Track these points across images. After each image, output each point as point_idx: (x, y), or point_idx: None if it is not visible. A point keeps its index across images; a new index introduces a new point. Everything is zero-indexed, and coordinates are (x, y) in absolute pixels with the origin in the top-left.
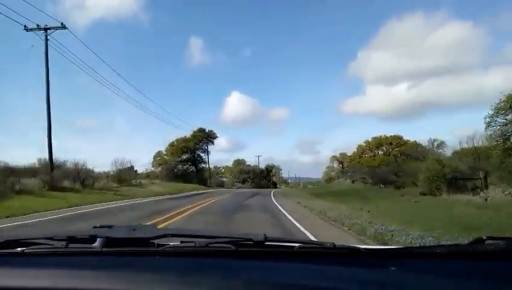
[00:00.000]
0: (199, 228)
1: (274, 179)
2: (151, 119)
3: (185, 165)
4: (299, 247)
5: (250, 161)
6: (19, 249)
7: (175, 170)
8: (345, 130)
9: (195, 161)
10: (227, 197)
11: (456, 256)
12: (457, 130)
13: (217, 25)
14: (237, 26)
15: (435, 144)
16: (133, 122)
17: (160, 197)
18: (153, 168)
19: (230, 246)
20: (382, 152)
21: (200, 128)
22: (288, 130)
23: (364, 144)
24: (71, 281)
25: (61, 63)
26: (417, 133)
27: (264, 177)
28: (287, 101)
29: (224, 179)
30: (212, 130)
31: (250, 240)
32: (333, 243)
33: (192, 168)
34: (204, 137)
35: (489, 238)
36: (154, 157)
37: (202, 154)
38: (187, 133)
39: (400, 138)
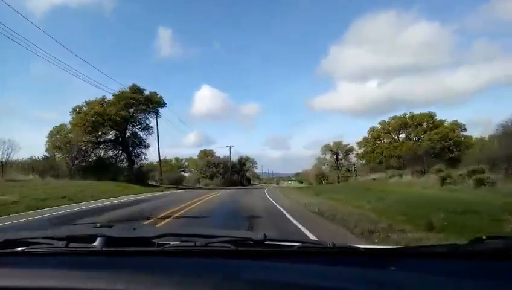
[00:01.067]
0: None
1: (248, 174)
2: None
3: (110, 149)
4: (299, 246)
5: (220, 153)
6: (19, 248)
7: (88, 158)
8: (315, 126)
9: (127, 143)
10: None
11: (456, 256)
12: None
13: (187, 17)
14: (208, 20)
15: None
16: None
17: None
18: (47, 154)
19: (230, 245)
20: (404, 135)
21: (134, 85)
22: (258, 126)
23: (379, 126)
24: (71, 281)
25: None
26: None
27: (236, 172)
28: (258, 96)
29: (187, 174)
30: (155, 92)
31: (250, 239)
32: (333, 243)
33: (124, 155)
34: (142, 102)
35: (489, 237)
36: (51, 135)
37: (141, 133)
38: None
39: (432, 116)
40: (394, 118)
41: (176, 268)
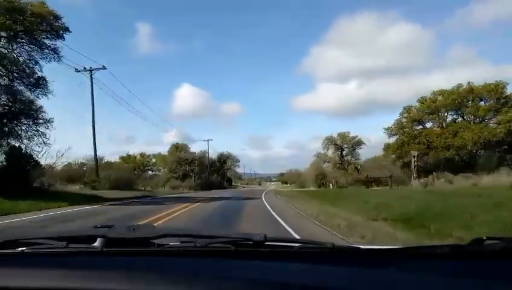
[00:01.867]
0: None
1: (229, 174)
2: None
3: None
4: (299, 247)
5: (196, 148)
6: (19, 249)
7: None
8: (296, 126)
9: None
10: None
11: (456, 256)
12: None
13: (168, 14)
14: (190, 18)
15: None
16: None
17: None
18: None
19: (230, 246)
20: (453, 117)
21: None
22: (239, 125)
23: (418, 104)
24: (71, 281)
25: None
26: (367, 131)
27: (215, 171)
28: (239, 96)
29: (156, 173)
30: (42, 2)
31: (250, 240)
32: (333, 243)
33: None
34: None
35: (489, 238)
36: None
37: (29, 93)
38: None
39: (501, 86)
40: (441, 92)
41: (176, 268)
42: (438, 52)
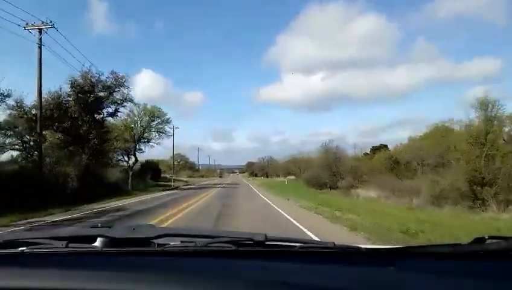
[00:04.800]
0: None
1: (148, 148)
2: None
3: None
4: (300, 247)
5: None
6: (19, 249)
7: None
8: (260, 119)
9: None
10: None
11: (457, 256)
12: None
13: None
14: (153, 3)
15: None
16: None
17: None
18: None
19: (231, 245)
20: None
21: None
22: (202, 116)
23: None
24: (72, 281)
25: None
26: (329, 124)
27: (95, 152)
28: (202, 85)
29: None
30: None
31: (251, 239)
32: (333, 243)
33: None
34: None
35: (490, 237)
36: None
37: None
38: None
39: None
40: None
41: (176, 268)
42: (403, 47)
